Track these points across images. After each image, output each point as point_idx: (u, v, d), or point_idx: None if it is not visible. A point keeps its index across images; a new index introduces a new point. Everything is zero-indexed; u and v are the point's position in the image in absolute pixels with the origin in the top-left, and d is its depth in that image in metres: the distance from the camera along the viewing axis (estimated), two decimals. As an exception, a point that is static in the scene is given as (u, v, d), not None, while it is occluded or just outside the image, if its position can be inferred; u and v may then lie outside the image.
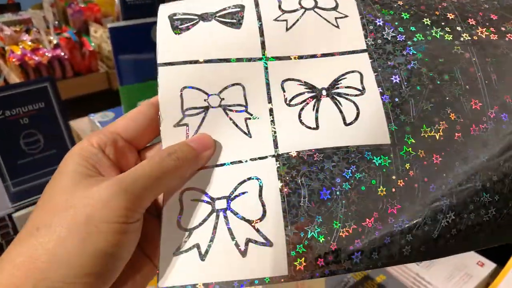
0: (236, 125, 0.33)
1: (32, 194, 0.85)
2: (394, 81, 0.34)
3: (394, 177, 0.31)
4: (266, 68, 0.34)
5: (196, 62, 0.33)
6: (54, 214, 0.26)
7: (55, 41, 1.53)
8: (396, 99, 0.33)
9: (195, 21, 0.35)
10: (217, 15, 0.35)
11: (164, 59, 0.33)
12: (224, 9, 0.36)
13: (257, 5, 0.36)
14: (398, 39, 0.35)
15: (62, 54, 1.49)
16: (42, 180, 0.87)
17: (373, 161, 0.32)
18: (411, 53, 0.35)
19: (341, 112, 0.33)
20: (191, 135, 0.32)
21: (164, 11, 0.36)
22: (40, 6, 1.75)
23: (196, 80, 0.33)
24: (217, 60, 0.34)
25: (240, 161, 0.32)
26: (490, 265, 0.70)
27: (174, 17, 0.35)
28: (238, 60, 0.34)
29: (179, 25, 0.35)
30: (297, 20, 0.36)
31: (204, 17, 0.35)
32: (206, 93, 0.33)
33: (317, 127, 0.32)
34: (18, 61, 1.44)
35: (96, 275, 0.26)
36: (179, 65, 0.33)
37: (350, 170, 0.31)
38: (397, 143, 0.32)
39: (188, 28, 0.35)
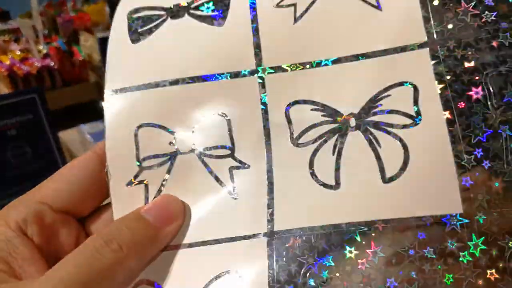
0: (217, 179, 0.22)
1: (20, 207, 0.83)
2: (474, 97, 0.20)
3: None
4: (262, 85, 0.22)
5: (157, 85, 0.23)
6: None
7: (44, 51, 1.52)
8: (478, 133, 0.19)
9: (162, 19, 0.24)
10: (193, 6, 0.24)
11: (115, 85, 0.23)
12: None
13: None
14: (488, 20, 0.20)
15: (52, 64, 1.47)
16: (30, 193, 0.85)
17: (428, 255, 0.18)
18: (507, 44, 0.20)
19: (378, 158, 0.20)
20: (152, 196, 0.23)
21: (125, 4, 0.25)
22: (29, 15, 1.73)
23: (158, 113, 0.23)
24: (189, 80, 0.22)
25: (218, 241, 0.21)
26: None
27: (135, 15, 0.24)
28: (220, 76, 0.22)
29: (139, 27, 0.24)
30: (312, 1, 0.23)
31: (174, 12, 0.24)
32: (172, 132, 0.23)
33: (337, 185, 0.21)
34: (6, 71, 1.42)
35: None
36: (133, 91, 0.23)
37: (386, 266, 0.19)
38: (473, 211, 0.18)
39: (150, 31, 0.24)
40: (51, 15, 1.90)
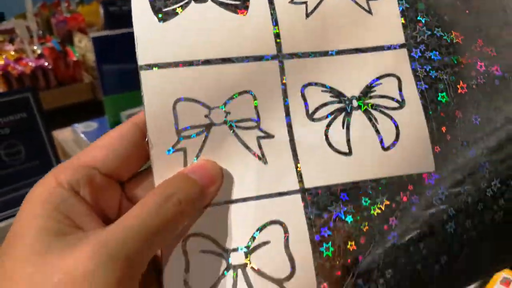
0: (247, 147, 0.26)
1: (13, 206, 0.83)
2: (440, 88, 0.27)
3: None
4: (282, 69, 0.26)
5: (191, 63, 0.25)
6: None
7: (38, 51, 1.52)
8: (442, 113, 0.27)
9: (185, 2, 0.26)
10: None
11: (147, 59, 0.25)
12: None
13: None
14: (446, 28, 0.28)
15: (46, 64, 1.47)
16: (23, 191, 0.85)
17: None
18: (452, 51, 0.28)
19: (377, 131, 0.27)
20: (190, 162, 0.25)
21: None
22: (24, 16, 1.73)
23: (193, 89, 0.25)
24: (219, 61, 0.25)
25: (257, 197, 0.25)
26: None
27: None
28: (246, 59, 0.26)
29: (162, 5, 0.25)
30: (320, 2, 0.27)
31: None
32: (207, 106, 0.25)
33: (349, 152, 0.26)
34: (0, 71, 1.42)
35: None
36: (168, 68, 0.25)
37: (391, 210, 0.26)
38: (443, 170, 0.26)
39: (175, 12, 0.26)
40: (45, 16, 1.90)
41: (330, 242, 0.25)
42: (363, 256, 0.25)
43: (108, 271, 0.19)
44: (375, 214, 0.26)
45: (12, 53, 1.56)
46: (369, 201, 0.26)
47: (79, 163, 0.24)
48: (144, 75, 0.25)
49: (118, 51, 0.92)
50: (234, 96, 0.26)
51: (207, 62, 0.25)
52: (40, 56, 1.50)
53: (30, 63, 1.46)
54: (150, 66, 0.25)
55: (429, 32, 0.28)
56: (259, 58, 0.26)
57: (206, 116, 0.25)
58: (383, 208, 0.26)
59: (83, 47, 1.60)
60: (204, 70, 0.25)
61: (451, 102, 0.27)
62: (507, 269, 0.65)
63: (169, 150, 0.25)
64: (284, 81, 0.26)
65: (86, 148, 0.25)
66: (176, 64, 0.25)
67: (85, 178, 0.23)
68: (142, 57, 0.25)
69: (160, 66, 0.25)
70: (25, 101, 0.84)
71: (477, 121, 0.27)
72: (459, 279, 0.27)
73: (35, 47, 1.53)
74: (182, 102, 0.25)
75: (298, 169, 0.26)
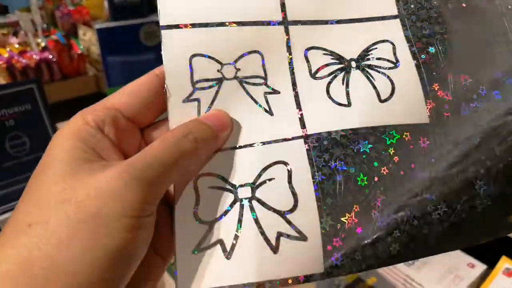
0: (255, 101, 0.28)
1: (18, 197, 0.83)
2: (431, 51, 0.30)
3: (433, 161, 0.28)
4: (287, 33, 0.30)
5: (206, 25, 0.28)
6: (49, 208, 0.21)
7: (43, 44, 1.52)
8: (433, 73, 0.30)
9: None
10: None
11: (167, 21, 0.28)
12: None
13: None
14: (433, 3, 0.31)
15: (50, 57, 1.47)
16: (27, 183, 0.85)
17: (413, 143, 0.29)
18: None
19: (374, 87, 0.29)
20: (203, 111, 0.28)
21: None
22: (28, 9, 1.73)
23: (207, 47, 0.28)
24: (232, 24, 0.29)
25: (263, 143, 0.28)
26: (481, 267, 0.70)
27: None
28: (255, 23, 0.29)
29: None
30: None
31: None
32: (220, 62, 0.28)
33: (349, 104, 0.29)
34: (5, 64, 1.42)
35: (105, 282, 0.21)
36: (186, 28, 0.28)
37: (388, 155, 0.28)
38: (437, 122, 0.29)
39: None
40: (50, 9, 1.90)
41: (331, 181, 0.27)
42: (362, 195, 0.27)
43: (133, 190, 0.22)
44: (373, 156, 0.28)
45: (16, 46, 1.56)
46: (369, 145, 0.28)
47: (104, 106, 0.26)
48: (164, 33, 0.28)
49: (123, 42, 0.93)
50: (244, 55, 0.29)
51: (221, 24, 0.29)
52: (45, 49, 1.50)
53: (35, 56, 1.46)
54: (169, 27, 0.28)
55: (419, 5, 0.31)
56: (267, 23, 0.29)
57: (218, 71, 0.28)
58: (381, 152, 0.28)
59: (87, 40, 1.61)
60: (218, 31, 0.28)
61: (442, 63, 0.30)
62: (509, 259, 0.65)
63: (185, 100, 0.28)
64: (289, 45, 0.29)
65: (112, 94, 0.27)
66: (193, 25, 0.28)
67: (110, 119, 0.25)
68: (163, 18, 0.28)
69: (178, 26, 0.28)
70: (29, 93, 0.84)
71: (466, 82, 0.30)
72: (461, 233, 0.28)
73: (39, 40, 1.53)
74: (197, 57, 0.28)
75: (301, 118, 0.28)
